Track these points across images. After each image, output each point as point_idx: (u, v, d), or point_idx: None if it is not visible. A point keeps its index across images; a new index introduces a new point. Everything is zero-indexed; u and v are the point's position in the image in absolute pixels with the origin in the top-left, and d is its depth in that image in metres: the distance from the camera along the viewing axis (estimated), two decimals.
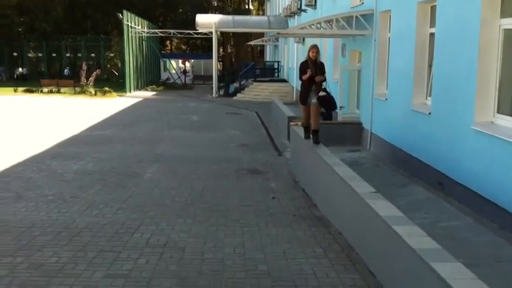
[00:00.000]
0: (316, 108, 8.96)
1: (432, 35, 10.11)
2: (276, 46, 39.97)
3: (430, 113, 9.65)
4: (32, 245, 6.05)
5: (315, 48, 8.86)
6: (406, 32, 11.15)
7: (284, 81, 32.98)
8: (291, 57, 30.94)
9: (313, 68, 8.76)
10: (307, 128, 9.38)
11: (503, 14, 7.56)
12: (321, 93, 8.84)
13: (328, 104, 9.07)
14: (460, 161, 8.23)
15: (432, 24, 10.16)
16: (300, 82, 9.25)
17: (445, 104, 9.05)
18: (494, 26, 7.66)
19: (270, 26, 32.96)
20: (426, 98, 10.44)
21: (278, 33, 21.70)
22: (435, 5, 9.79)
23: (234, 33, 47.31)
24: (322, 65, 9.07)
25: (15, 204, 7.79)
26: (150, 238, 6.39)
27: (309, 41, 23.90)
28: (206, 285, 5.07)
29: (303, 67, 8.92)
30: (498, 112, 7.70)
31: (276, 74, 36.72)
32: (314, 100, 8.87)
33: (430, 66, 10.31)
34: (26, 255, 5.72)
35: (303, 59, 9.54)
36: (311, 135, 9.16)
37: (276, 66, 37.74)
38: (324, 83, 9.00)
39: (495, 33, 7.66)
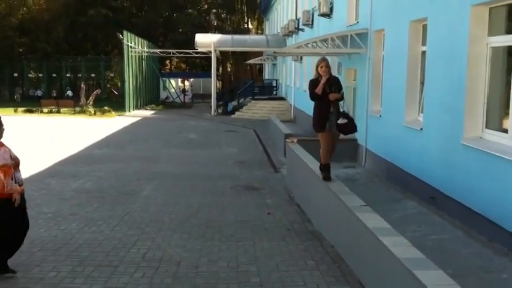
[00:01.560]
0: (338, 136, 7.66)
1: (424, 53, 10.36)
2: (274, 64, 40.41)
3: (421, 129, 9.85)
4: (31, 260, 6.20)
5: (323, 62, 7.47)
6: (399, 50, 11.41)
7: (282, 99, 33.29)
8: (289, 75, 31.29)
9: (326, 85, 7.34)
10: (327, 168, 7.59)
11: (491, 32, 7.79)
12: (340, 121, 7.39)
13: (349, 131, 7.63)
14: (451, 176, 8.41)
15: (424, 42, 10.42)
16: (313, 106, 7.78)
17: (436, 120, 9.25)
18: (482, 44, 7.89)
19: (269, 44, 33.37)
20: (418, 114, 10.65)
21: (275, 52, 22.07)
22: (426, 24, 10.06)
23: (233, 52, 47.80)
24: (337, 80, 7.63)
25: None
26: (147, 253, 6.53)
27: (307, 60, 24.26)
28: None
29: (313, 85, 7.48)
30: (487, 127, 7.89)
31: (274, 92, 37.06)
32: (341, 120, 7.45)
33: (422, 83, 10.54)
34: (26, 270, 5.86)
35: (311, 76, 8.14)
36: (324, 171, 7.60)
37: (274, 84, 38.11)
38: (341, 103, 7.57)
39: (483, 51, 7.89)
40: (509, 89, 7.20)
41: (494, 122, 7.81)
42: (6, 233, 5.61)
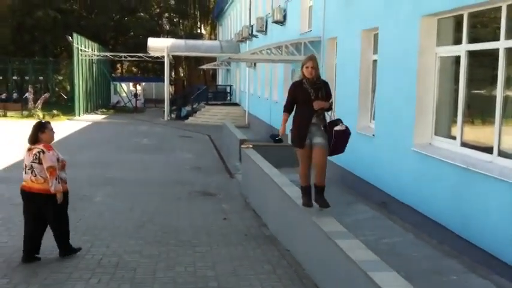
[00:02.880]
0: (324, 153, 6.14)
1: (375, 61, 10.68)
2: (228, 70, 40.51)
3: (374, 135, 10.14)
4: None
5: (309, 61, 6.18)
6: (351, 58, 11.71)
7: (236, 104, 33.42)
8: (242, 81, 31.47)
9: (311, 90, 6.10)
10: (307, 190, 6.38)
11: (439, 43, 8.13)
12: (338, 127, 6.12)
13: (346, 142, 6.31)
14: (401, 181, 8.70)
15: (375, 51, 10.74)
16: (291, 114, 6.45)
17: (387, 127, 9.55)
18: (431, 54, 8.22)
19: (222, 50, 33.43)
20: (370, 121, 10.95)
21: (230, 58, 22.17)
22: (377, 33, 10.37)
23: (186, 57, 47.56)
24: (326, 85, 6.30)
25: None
26: (102, 259, 6.44)
27: (261, 66, 24.49)
28: None
29: (294, 91, 6.26)
30: (436, 134, 8.21)
31: (228, 98, 37.14)
32: (319, 140, 6.11)
33: (373, 90, 10.85)
34: None
35: (295, 78, 7.08)
36: (313, 198, 6.33)
37: (228, 90, 38.19)
38: (329, 113, 6.29)
39: (432, 61, 8.22)
40: (457, 97, 7.54)
41: (442, 129, 8.14)
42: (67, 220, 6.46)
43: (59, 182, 6.12)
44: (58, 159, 6.22)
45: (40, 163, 6.12)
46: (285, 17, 19.12)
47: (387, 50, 9.75)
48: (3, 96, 38.31)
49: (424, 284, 5.68)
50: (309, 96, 6.10)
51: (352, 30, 11.69)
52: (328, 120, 6.24)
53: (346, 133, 6.18)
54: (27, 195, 6.26)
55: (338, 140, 6.14)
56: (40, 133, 6.25)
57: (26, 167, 6.25)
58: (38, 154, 6.13)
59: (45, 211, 6.26)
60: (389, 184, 9.17)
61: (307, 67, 6.17)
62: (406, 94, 8.70)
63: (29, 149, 6.24)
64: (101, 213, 8.86)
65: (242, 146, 12.37)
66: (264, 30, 23.07)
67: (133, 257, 6.58)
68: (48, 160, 6.08)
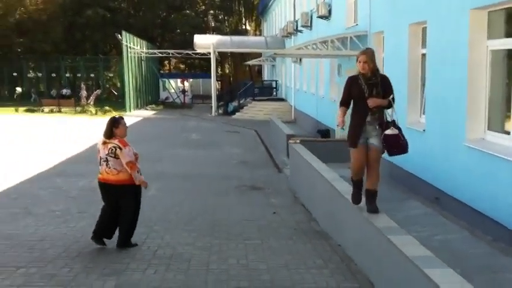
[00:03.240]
0: (377, 155, 5.89)
1: (424, 55, 10.50)
2: (273, 65, 40.54)
3: (424, 130, 10.00)
4: (44, 257, 6.30)
5: (362, 55, 5.81)
6: (399, 52, 11.55)
7: (282, 100, 33.45)
8: (288, 76, 31.45)
9: (365, 87, 5.74)
10: (358, 184, 6.12)
11: (490, 36, 7.94)
12: (389, 131, 5.72)
13: (400, 147, 5.86)
14: (454, 176, 8.55)
15: (424, 45, 10.56)
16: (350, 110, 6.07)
17: (438, 122, 9.39)
18: (481, 47, 8.04)
19: (268, 46, 33.49)
20: (420, 116, 10.79)
21: (275, 54, 22.19)
22: (426, 27, 10.20)
23: (232, 53, 47.89)
24: (384, 80, 5.89)
25: (24, 219, 8.05)
26: (157, 250, 6.65)
27: (306, 61, 24.43)
28: None
29: (349, 86, 5.92)
30: (488, 129, 8.03)
31: (274, 93, 37.19)
32: (374, 141, 5.81)
33: (423, 84, 10.68)
34: (39, 266, 5.97)
35: (352, 73, 6.15)
36: (365, 199, 6.09)
37: (274, 85, 38.24)
38: (389, 111, 5.87)
39: (483, 54, 8.03)
40: (510, 91, 7.35)
41: (495, 124, 7.95)
42: (135, 214, 6.76)
43: (140, 174, 6.59)
44: (134, 154, 6.61)
45: (116, 157, 6.47)
46: (330, 11, 18.99)
47: (436, 43, 9.58)
48: (64, 92, 39.57)
49: (480, 281, 5.59)
50: (362, 93, 5.76)
51: (399, 24, 11.53)
52: (389, 119, 5.84)
53: (397, 139, 5.74)
54: (103, 186, 6.65)
55: (389, 144, 5.77)
56: (114, 128, 6.56)
57: (101, 159, 6.58)
58: (113, 149, 6.47)
59: (120, 201, 6.64)
60: (441, 179, 9.03)
61: (359, 61, 5.80)
62: (457, 88, 8.54)
63: (104, 143, 6.55)
64: (154, 207, 9.08)
65: (290, 141, 12.43)
66: (309, 25, 22.98)
67: (186, 249, 6.75)
68: (126, 156, 6.45)
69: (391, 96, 5.82)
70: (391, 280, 5.01)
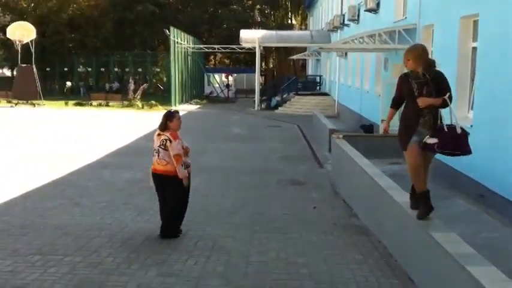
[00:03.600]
0: (425, 156, 5.51)
1: (474, 49, 10.21)
2: (318, 60, 40.28)
3: (472, 126, 9.72)
4: (89, 246, 6.50)
5: (406, 53, 5.50)
6: (449, 46, 11.26)
7: (326, 94, 33.20)
8: (333, 71, 31.18)
9: (415, 85, 5.38)
10: (427, 196, 5.55)
11: None
12: (430, 139, 5.27)
13: (458, 147, 5.41)
14: (501, 173, 8.29)
15: (475, 38, 10.26)
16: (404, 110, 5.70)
17: (486, 117, 9.12)
18: None
19: (313, 40, 33.31)
20: (468, 111, 10.51)
21: (321, 48, 22.08)
22: (477, 20, 9.90)
23: (277, 48, 47.82)
24: (437, 77, 5.40)
25: (71, 210, 8.32)
26: (198, 242, 6.75)
27: (352, 55, 24.14)
28: (251, 285, 5.37)
29: (401, 84, 5.64)
30: None
31: (318, 88, 36.97)
32: (430, 141, 5.28)
33: (472, 79, 10.38)
34: (84, 255, 6.16)
35: (400, 68, 6.46)
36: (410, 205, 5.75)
37: (318, 80, 38.00)
38: (445, 112, 5.45)
39: None
40: None
41: None
42: (180, 206, 6.92)
43: (185, 168, 6.67)
44: (182, 147, 6.73)
45: (165, 149, 6.67)
46: (378, 4, 18.69)
47: (488, 37, 9.29)
48: (113, 86, 40.59)
49: None
50: (412, 92, 5.40)
51: (450, 17, 11.24)
52: (447, 121, 5.36)
53: (438, 147, 5.23)
54: (154, 175, 6.86)
55: (433, 150, 5.35)
56: (168, 121, 6.78)
57: (154, 150, 6.83)
58: (165, 141, 6.67)
59: (166, 191, 6.81)
60: (487, 176, 8.77)
61: (404, 60, 5.51)
62: (508, 83, 8.26)
63: (158, 134, 6.79)
64: (196, 199, 9.19)
65: (332, 135, 12.33)
66: (356, 19, 22.69)
67: (227, 241, 6.83)
68: (174, 148, 6.62)
69: (448, 95, 5.28)
70: (432, 277, 4.92)
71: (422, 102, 5.31)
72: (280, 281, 5.50)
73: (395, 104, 5.80)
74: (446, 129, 5.26)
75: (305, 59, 48.14)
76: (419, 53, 5.45)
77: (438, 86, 5.34)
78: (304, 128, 21.29)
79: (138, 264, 5.93)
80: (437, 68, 5.53)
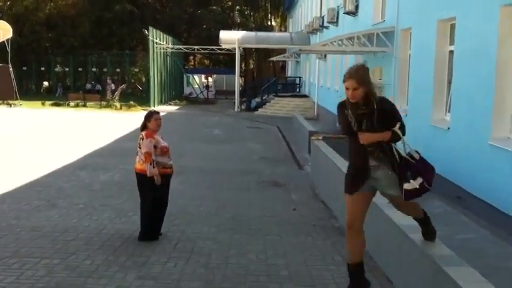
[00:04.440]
0: (406, 202, 4.59)
1: (451, 52, 10.36)
2: (297, 62, 40.44)
3: (449, 128, 9.86)
4: (66, 249, 6.41)
5: (348, 80, 4.33)
6: (426, 49, 11.41)
7: (305, 96, 33.34)
8: (312, 73, 31.33)
9: (352, 119, 4.38)
10: (354, 269, 4.75)
11: None
12: (408, 185, 4.35)
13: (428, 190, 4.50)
14: (477, 175, 8.42)
15: (452, 41, 10.42)
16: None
17: (463, 120, 9.26)
18: (510, 44, 7.89)
19: (292, 42, 33.44)
20: (445, 114, 10.66)
21: (300, 50, 22.18)
22: (454, 23, 10.05)
23: (256, 49, 47.89)
24: (381, 107, 4.34)
25: (48, 212, 8.19)
26: (177, 244, 6.71)
27: (331, 58, 24.28)
28: (230, 287, 5.35)
29: (339, 115, 4.59)
30: None
31: (298, 90, 37.10)
32: (391, 192, 4.55)
33: (449, 82, 10.53)
34: (62, 258, 6.07)
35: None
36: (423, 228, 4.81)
37: (297, 81, 38.14)
38: (400, 145, 4.47)
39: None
40: None
41: None
42: (156, 204, 6.78)
43: (153, 167, 6.60)
44: (156, 146, 6.68)
45: (141, 148, 6.72)
46: (357, 7, 18.86)
47: (464, 40, 9.44)
48: (96, 86, 40.17)
49: (500, 281, 5.51)
50: (350, 127, 4.41)
51: (427, 20, 11.39)
52: (401, 153, 4.45)
53: (422, 191, 4.44)
54: (136, 174, 6.88)
55: (412, 197, 4.49)
56: (147, 122, 6.82)
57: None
58: (140, 140, 6.74)
59: (140, 191, 6.85)
60: (464, 178, 8.90)
61: (346, 88, 4.36)
62: (484, 86, 8.41)
63: (140, 134, 6.85)
64: (175, 200, 9.13)
65: (312, 137, 12.40)
66: (335, 21, 22.85)
67: (207, 243, 6.80)
68: (144, 146, 6.64)
69: (398, 126, 4.34)
70: (411, 278, 4.97)
71: (365, 139, 4.30)
72: (260, 282, 5.50)
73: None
74: (414, 159, 4.44)
75: (285, 61, 48.30)
76: (363, 77, 4.36)
77: (383, 117, 4.30)
78: (284, 130, 21.36)
79: (117, 266, 5.87)
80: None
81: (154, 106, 32.76)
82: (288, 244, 6.86)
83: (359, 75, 4.35)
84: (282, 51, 42.09)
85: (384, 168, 4.46)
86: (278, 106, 31.47)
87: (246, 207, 8.93)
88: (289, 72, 47.07)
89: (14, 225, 7.37)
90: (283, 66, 53.45)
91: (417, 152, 4.50)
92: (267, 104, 32.77)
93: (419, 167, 4.42)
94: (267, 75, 48.08)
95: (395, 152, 4.43)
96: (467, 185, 8.72)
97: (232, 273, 5.74)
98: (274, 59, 44.61)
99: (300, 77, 38.12)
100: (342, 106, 4.54)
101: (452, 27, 10.33)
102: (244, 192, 10.15)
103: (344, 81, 4.40)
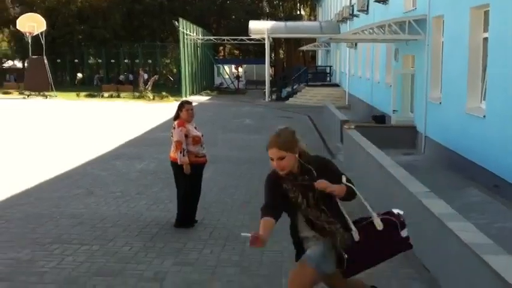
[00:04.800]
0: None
1: (486, 39, 10.15)
2: (327, 51, 40.14)
3: (484, 116, 9.70)
4: (105, 235, 6.58)
5: (270, 149, 3.61)
6: (460, 36, 11.21)
7: (336, 85, 33.12)
8: (343, 61, 31.08)
9: (295, 193, 3.63)
10: None
11: None
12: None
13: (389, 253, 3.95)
14: None
15: (485, 29, 10.20)
16: None
17: (499, 108, 9.09)
18: None
19: (322, 31, 33.19)
20: (481, 102, 10.47)
21: (331, 39, 21.98)
22: (488, 10, 9.84)
23: (286, 39, 47.72)
24: (323, 169, 3.63)
25: (86, 200, 8.41)
26: (213, 232, 6.81)
27: (362, 46, 24.03)
28: (267, 274, 5.42)
29: (270, 191, 3.77)
30: None
31: (328, 79, 36.85)
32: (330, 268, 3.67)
33: (484, 70, 10.34)
34: (101, 244, 6.25)
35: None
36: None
37: (328, 70, 37.89)
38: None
39: None
40: None
41: None
42: (189, 191, 6.91)
43: (184, 155, 6.70)
44: (187, 135, 6.78)
45: (173, 137, 6.87)
46: None
47: (499, 27, 9.24)
48: (129, 77, 40.77)
49: None
50: (291, 203, 3.65)
51: (460, 7, 11.18)
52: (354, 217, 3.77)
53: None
54: (170, 163, 7.02)
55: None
56: (179, 111, 6.95)
57: None
58: (172, 129, 6.91)
59: (176, 178, 6.97)
60: (502, 167, 8.75)
61: (271, 159, 3.59)
62: None
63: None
64: (209, 189, 9.27)
65: (344, 126, 12.34)
66: (365, 10, 22.57)
67: (241, 230, 6.85)
68: (175, 135, 6.79)
69: (344, 179, 3.69)
70: (448, 266, 4.95)
71: (322, 185, 3.49)
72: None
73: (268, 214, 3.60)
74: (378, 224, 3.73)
75: (315, 50, 47.98)
76: (290, 143, 3.57)
77: (329, 176, 3.58)
78: (315, 119, 21.28)
79: (154, 253, 6.00)
80: None
81: (185, 97, 33.02)
82: None
83: (282, 141, 3.53)
84: (311, 40, 41.81)
85: (318, 239, 3.71)
86: (309, 95, 31.35)
87: None
88: (320, 61, 46.77)
89: (54, 212, 7.60)
90: (313, 55, 53.12)
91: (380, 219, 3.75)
92: (298, 93, 32.68)
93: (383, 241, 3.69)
94: (297, 65, 47.85)
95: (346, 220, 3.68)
96: (505, 173, 8.57)
97: (268, 260, 5.80)
98: (304, 48, 44.38)
99: (330, 66, 37.86)
100: (273, 181, 3.67)
101: (486, 14, 10.12)
102: None
103: (267, 150, 3.59)
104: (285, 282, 5.24)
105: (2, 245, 6.16)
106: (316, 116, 21.96)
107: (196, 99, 32.31)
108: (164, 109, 25.40)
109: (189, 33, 35.60)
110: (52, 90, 31.78)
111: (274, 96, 33.65)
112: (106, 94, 32.95)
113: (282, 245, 6.29)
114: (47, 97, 31.16)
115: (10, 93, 34.01)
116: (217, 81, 43.82)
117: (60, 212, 7.61)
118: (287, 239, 6.49)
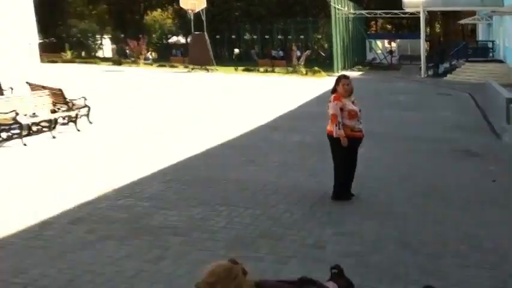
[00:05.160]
0: None
1: None
2: (489, 24, 37.06)
3: None
4: (267, 201, 6.90)
5: None
6: None
7: (500, 61, 30.54)
8: (508, 36, 28.49)
9: None
10: None
11: None
12: None
13: None
14: None
15: None
16: None
17: None
18: None
19: (483, 3, 30.69)
20: None
21: (493, 12, 20.24)
22: None
23: (443, 12, 44.85)
24: None
25: (248, 167, 8.85)
26: (371, 206, 6.81)
27: None
28: (429, 254, 5.29)
29: None
30: None
31: (491, 55, 34.08)
32: None
33: None
34: (264, 209, 6.56)
35: None
36: None
37: (490, 46, 35.01)
38: None
39: None
40: None
41: None
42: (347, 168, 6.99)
43: (339, 128, 6.72)
44: (343, 109, 6.76)
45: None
46: None
47: None
48: (275, 53, 41.79)
49: None
50: None
51: None
52: None
53: None
54: (327, 136, 7.09)
55: None
56: (336, 86, 6.97)
57: None
58: (328, 103, 6.95)
59: (332, 150, 7.02)
60: None
61: None
62: None
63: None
64: (366, 165, 9.10)
65: (511, 105, 11.43)
66: None
67: (401, 207, 6.78)
68: (331, 108, 6.83)
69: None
70: None
71: None
72: (460, 252, 5.34)
73: None
74: None
75: (474, 24, 44.52)
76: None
77: None
78: (476, 97, 19.93)
79: (313, 222, 6.18)
80: None
81: (337, 72, 32.84)
82: (488, 215, 6.53)
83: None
84: (470, 13, 38.81)
85: None
86: (469, 72, 29.33)
87: (439, 175, 8.65)
88: (480, 35, 43.32)
89: (220, 177, 8.11)
90: (473, 29, 49.34)
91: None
92: (457, 69, 30.75)
93: None
94: (455, 39, 44.83)
95: None
96: None
97: (430, 239, 5.67)
98: (463, 21, 41.34)
99: (493, 41, 34.90)
100: None
101: None
102: (436, 160, 9.81)
103: None
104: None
105: (178, 203, 6.76)
106: (478, 94, 20.53)
107: (349, 74, 31.90)
108: (317, 84, 25.55)
109: (341, 8, 35.15)
110: (213, 65, 33.57)
111: (430, 72, 32.07)
112: (261, 69, 34.00)
113: (445, 225, 6.13)
114: (208, 71, 33.04)
115: (176, 66, 36.56)
116: (370, 56, 42.88)
117: (226, 177, 8.10)
118: (452, 220, 6.19)
